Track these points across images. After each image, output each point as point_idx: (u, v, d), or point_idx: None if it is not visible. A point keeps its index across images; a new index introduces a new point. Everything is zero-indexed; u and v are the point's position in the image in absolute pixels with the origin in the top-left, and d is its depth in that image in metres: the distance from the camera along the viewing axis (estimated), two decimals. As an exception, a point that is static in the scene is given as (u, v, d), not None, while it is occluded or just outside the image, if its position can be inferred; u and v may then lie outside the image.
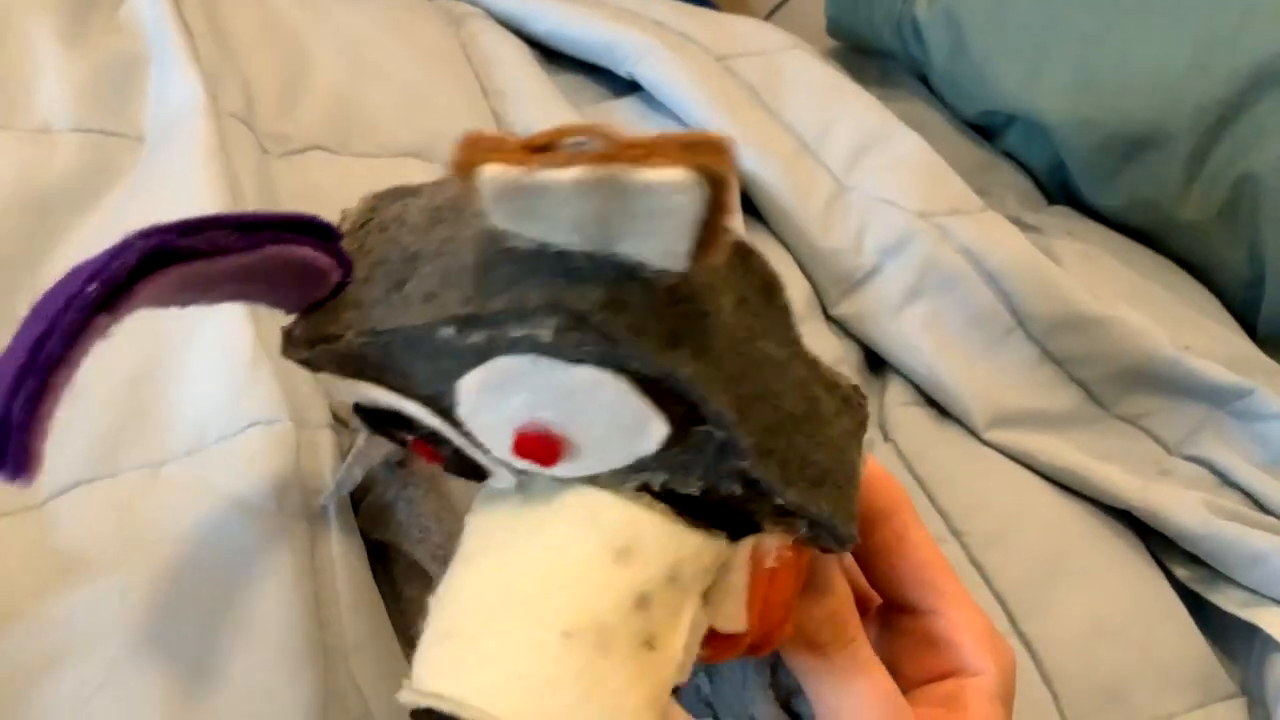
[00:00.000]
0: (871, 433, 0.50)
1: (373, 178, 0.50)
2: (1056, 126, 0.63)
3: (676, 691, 0.30)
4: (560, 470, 0.24)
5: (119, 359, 0.36)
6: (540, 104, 0.58)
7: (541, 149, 0.18)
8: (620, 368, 0.21)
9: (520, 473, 0.25)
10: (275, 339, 0.37)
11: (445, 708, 0.22)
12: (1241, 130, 0.58)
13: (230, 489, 0.33)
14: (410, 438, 0.27)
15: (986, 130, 0.70)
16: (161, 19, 0.50)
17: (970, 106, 0.70)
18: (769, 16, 1.25)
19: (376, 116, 0.53)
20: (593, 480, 0.24)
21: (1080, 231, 0.64)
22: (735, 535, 0.26)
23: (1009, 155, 0.70)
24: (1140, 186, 0.62)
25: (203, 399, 0.35)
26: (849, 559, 0.33)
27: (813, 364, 0.26)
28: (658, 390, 0.21)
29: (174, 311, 0.38)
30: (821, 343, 0.52)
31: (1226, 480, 0.50)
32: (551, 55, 0.65)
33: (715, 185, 0.17)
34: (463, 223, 0.23)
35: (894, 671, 0.31)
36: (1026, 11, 0.65)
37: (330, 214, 0.47)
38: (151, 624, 0.30)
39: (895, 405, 0.52)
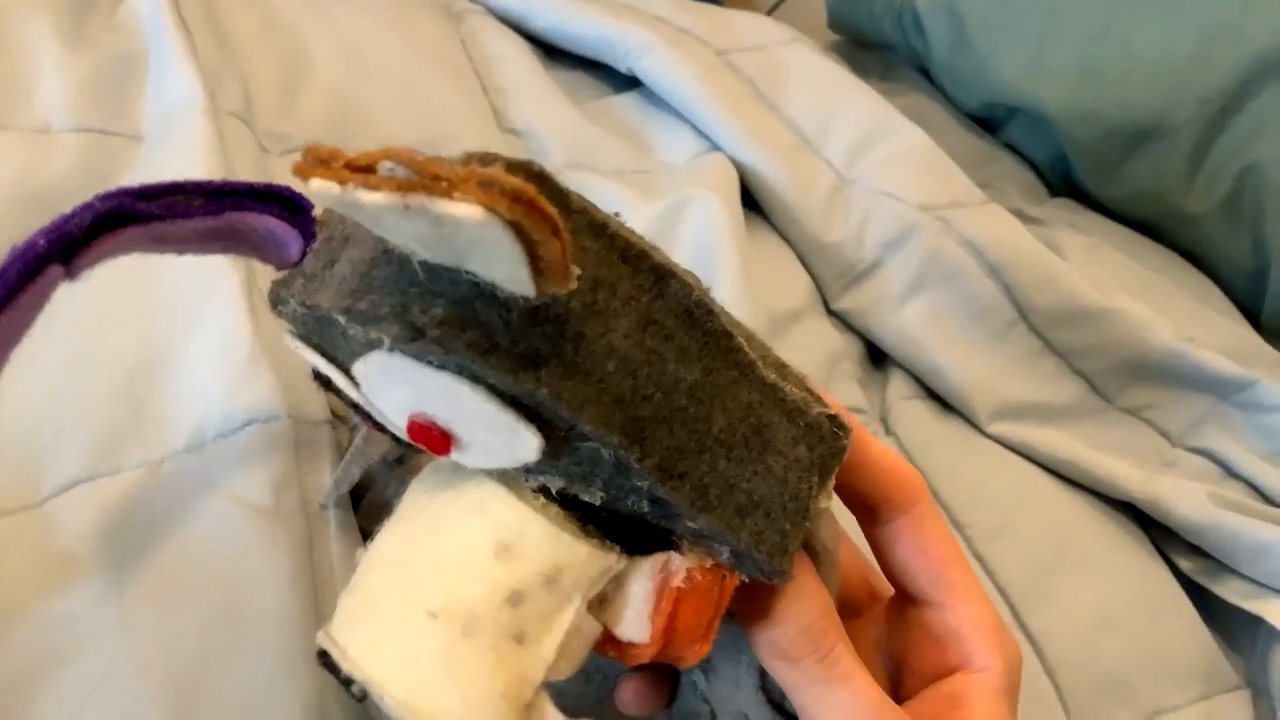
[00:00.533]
0: (873, 426, 0.50)
1: (373, 175, 0.51)
2: (1058, 118, 0.63)
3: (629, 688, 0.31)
4: (457, 459, 0.24)
5: (118, 357, 0.37)
6: (540, 100, 0.58)
7: (362, 169, 0.18)
8: (476, 379, 0.21)
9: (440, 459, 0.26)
10: (274, 334, 0.37)
11: (335, 656, 0.24)
12: (1244, 121, 0.58)
13: (229, 486, 0.33)
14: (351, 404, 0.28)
15: (988, 123, 0.70)
16: (160, 17, 0.50)
17: (972, 99, 0.69)
18: (771, 11, 1.25)
19: (376, 114, 0.53)
20: (499, 472, 0.25)
21: (1083, 224, 0.64)
22: (649, 549, 0.26)
23: (1011, 148, 0.69)
24: (1143, 178, 0.62)
25: (201, 396, 0.35)
26: (851, 550, 0.33)
27: (772, 388, 0.25)
28: (524, 409, 0.22)
29: (173, 308, 0.38)
30: (823, 337, 0.52)
31: (1230, 472, 0.50)
32: (552, 52, 0.65)
33: (518, 224, 0.17)
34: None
35: (901, 666, 0.31)
36: (1027, 3, 0.65)
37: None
38: (150, 621, 0.30)
39: (897, 399, 0.51)
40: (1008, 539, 0.46)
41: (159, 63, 0.48)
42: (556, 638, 0.25)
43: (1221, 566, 0.47)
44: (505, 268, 0.18)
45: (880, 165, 0.54)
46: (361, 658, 0.24)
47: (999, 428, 0.50)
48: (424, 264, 0.20)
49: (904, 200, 0.52)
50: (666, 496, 0.23)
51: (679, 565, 0.25)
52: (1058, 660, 0.42)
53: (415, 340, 0.20)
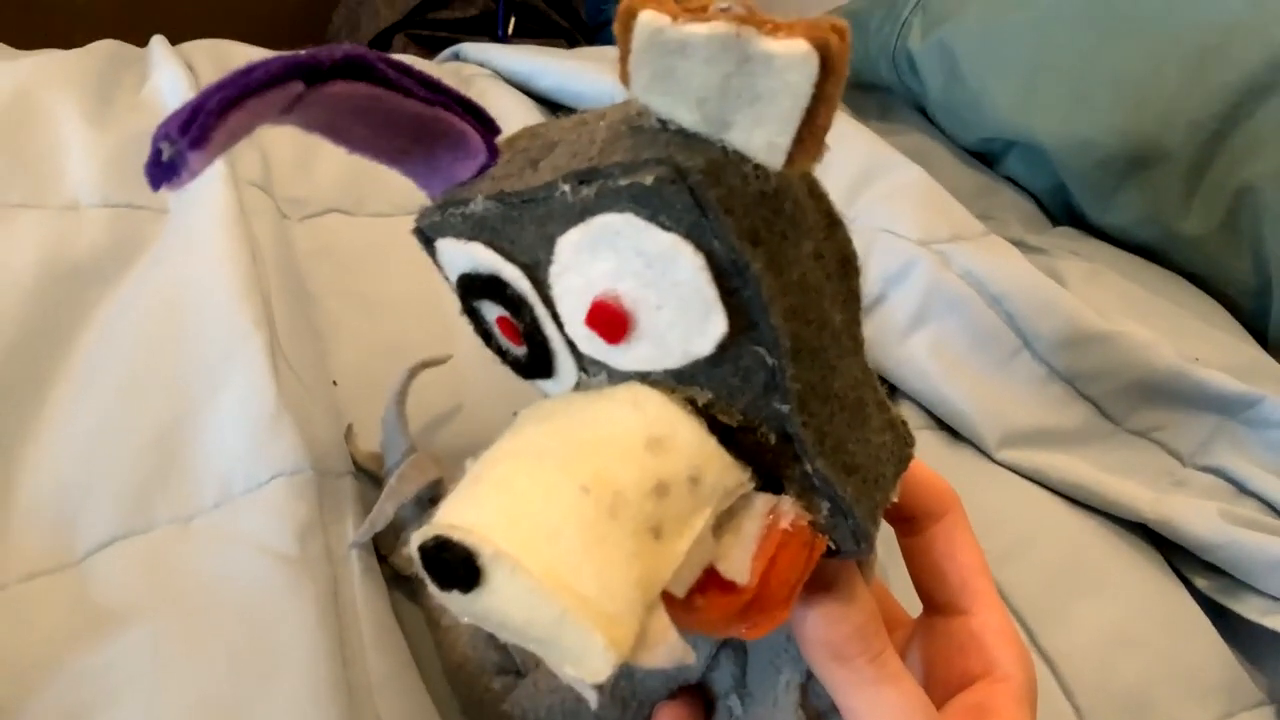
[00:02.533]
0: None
1: (389, 235, 0.52)
2: (1054, 149, 0.64)
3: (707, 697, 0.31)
4: (620, 352, 0.25)
5: (147, 418, 0.38)
6: (546, 156, 0.60)
7: (693, 11, 0.20)
8: (700, 243, 0.23)
9: (582, 368, 0.27)
10: (297, 392, 0.39)
11: (455, 535, 0.22)
12: (1238, 142, 0.59)
13: (256, 538, 0.34)
14: (497, 315, 0.29)
15: (987, 157, 0.72)
16: (181, 94, 0.52)
17: (969, 134, 0.71)
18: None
19: (390, 176, 0.55)
20: (644, 380, 0.26)
21: (1085, 251, 0.64)
22: (760, 488, 0.26)
23: (1011, 180, 0.71)
24: (1141, 203, 0.63)
25: (228, 452, 0.37)
26: (877, 587, 0.33)
27: (872, 374, 0.27)
28: (727, 287, 0.23)
29: (199, 370, 0.40)
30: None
31: (1242, 489, 0.50)
32: (557, 109, 0.67)
33: (829, 67, 0.19)
34: (599, 118, 0.26)
35: (926, 679, 0.31)
36: (1017, 37, 0.66)
37: (348, 274, 0.49)
38: (182, 669, 0.31)
39: (907, 430, 0.52)
40: (1021, 563, 0.46)
41: (181, 138, 0.50)
42: (687, 541, 0.24)
43: (1238, 583, 0.47)
44: (772, 128, 0.20)
45: (878, 202, 0.56)
46: (493, 531, 0.22)
47: (1008, 454, 0.50)
48: (679, 130, 0.22)
49: (903, 236, 0.54)
50: (796, 430, 0.24)
51: (788, 508, 0.26)
52: (1076, 682, 0.42)
53: (673, 183, 0.22)
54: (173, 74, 0.54)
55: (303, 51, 0.23)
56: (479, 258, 0.27)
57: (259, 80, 0.22)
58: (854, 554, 0.27)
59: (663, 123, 0.22)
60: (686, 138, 0.22)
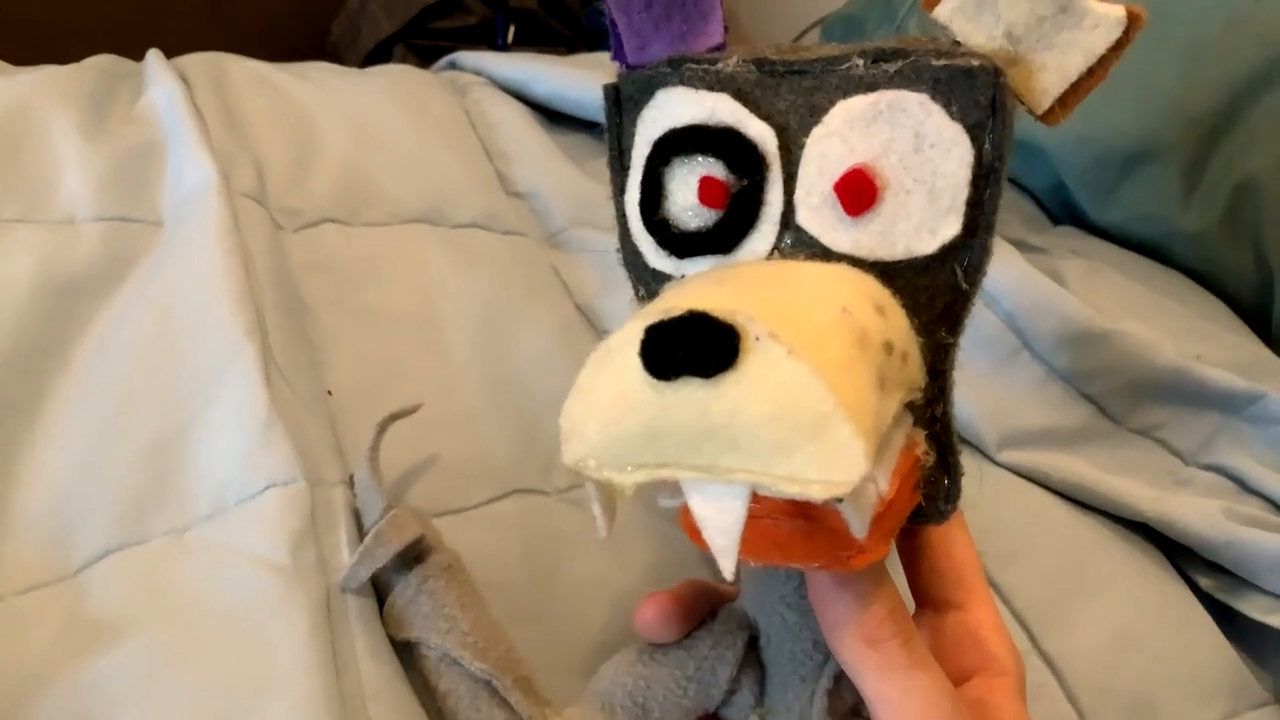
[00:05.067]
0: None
1: (384, 245, 0.52)
2: (1052, 148, 0.64)
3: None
4: (848, 228, 0.26)
5: (141, 431, 0.38)
6: (542, 163, 0.60)
7: None
8: (976, 141, 0.24)
9: (777, 246, 0.27)
10: (289, 402, 0.39)
11: (719, 314, 0.21)
12: (1236, 138, 0.59)
13: (250, 548, 0.34)
14: (703, 174, 0.28)
15: (986, 156, 0.71)
16: (175, 108, 0.52)
17: (967, 134, 0.71)
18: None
19: (385, 185, 0.55)
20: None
21: (1085, 250, 0.64)
22: None
23: (1010, 179, 0.70)
24: (1141, 200, 0.63)
25: (221, 464, 0.37)
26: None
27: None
28: (976, 192, 0.25)
29: (192, 382, 0.40)
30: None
31: (1246, 487, 0.50)
32: (553, 116, 0.67)
33: (1124, 39, 0.23)
34: (861, 43, 0.27)
35: None
36: (1014, 38, 0.66)
37: (343, 284, 0.49)
38: (176, 680, 0.31)
39: (906, 432, 0.52)
40: (1022, 565, 0.46)
41: (176, 150, 0.51)
42: (894, 407, 0.24)
43: (1242, 582, 0.47)
44: (1055, 78, 0.24)
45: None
46: (764, 317, 0.21)
47: (1009, 455, 0.50)
48: (971, 52, 0.25)
49: (900, 237, 0.53)
50: (949, 368, 0.26)
51: (919, 437, 0.27)
52: (1078, 683, 0.42)
53: (990, 74, 0.24)
54: (167, 88, 0.54)
55: None
56: (720, 109, 0.27)
57: None
58: (937, 517, 0.28)
59: (956, 43, 0.25)
60: (978, 56, 0.25)
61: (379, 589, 0.35)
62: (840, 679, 0.30)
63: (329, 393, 0.43)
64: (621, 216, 0.31)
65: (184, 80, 0.57)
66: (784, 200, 0.27)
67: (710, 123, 0.28)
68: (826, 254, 0.26)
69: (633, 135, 0.30)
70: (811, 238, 0.27)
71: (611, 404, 0.22)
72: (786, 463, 0.21)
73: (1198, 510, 0.47)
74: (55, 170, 0.48)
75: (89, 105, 0.53)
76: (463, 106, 0.66)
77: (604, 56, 0.72)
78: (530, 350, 0.48)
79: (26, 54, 0.63)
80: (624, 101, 0.30)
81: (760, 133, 0.27)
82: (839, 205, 0.26)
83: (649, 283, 0.31)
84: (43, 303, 0.42)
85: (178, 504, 0.37)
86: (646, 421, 0.22)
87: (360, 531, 0.36)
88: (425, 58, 1.26)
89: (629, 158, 0.30)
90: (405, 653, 0.34)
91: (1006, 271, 0.52)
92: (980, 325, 0.51)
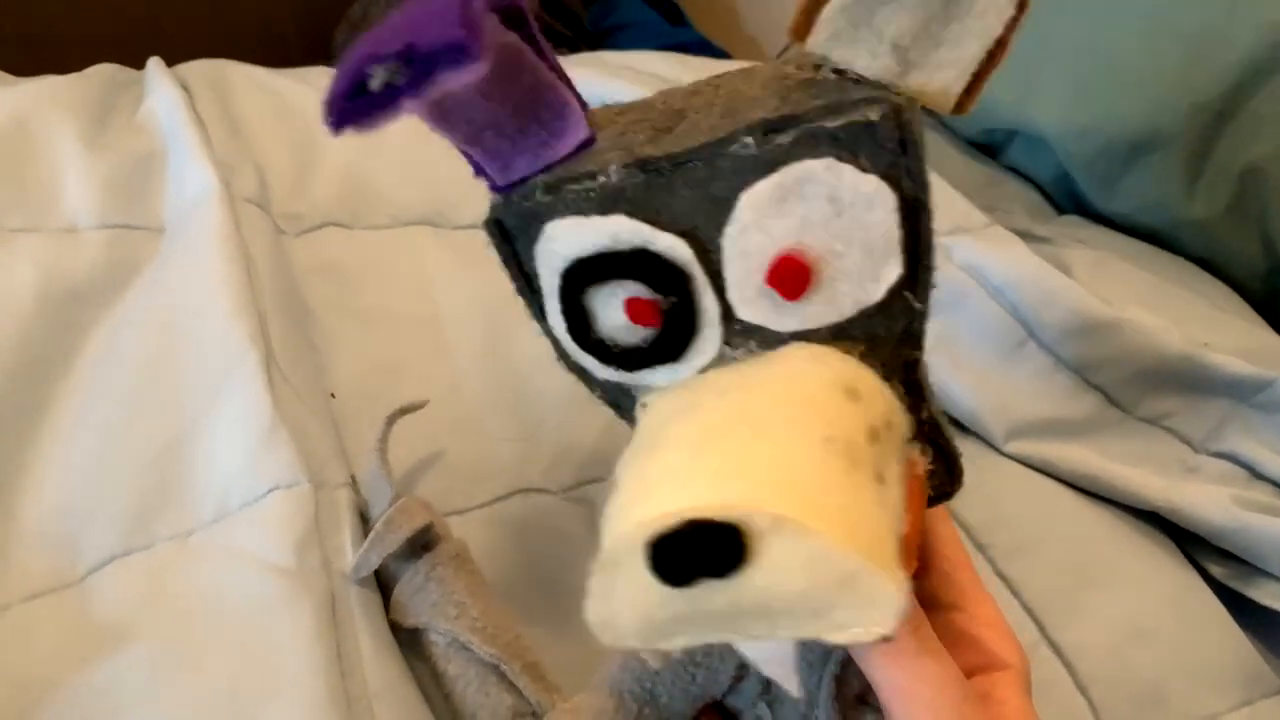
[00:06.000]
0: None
1: (387, 248, 0.52)
2: (1055, 137, 0.64)
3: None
4: (791, 311, 0.25)
5: (145, 436, 0.38)
6: (543, 163, 0.60)
7: None
8: (894, 183, 0.23)
9: (726, 341, 0.26)
10: (293, 405, 0.39)
11: (713, 513, 0.20)
12: (1240, 124, 0.58)
13: (254, 551, 0.34)
14: (626, 296, 0.27)
15: (989, 148, 0.71)
16: (176, 115, 0.52)
17: (970, 126, 0.70)
18: (779, 57, 1.27)
19: (386, 188, 0.55)
20: (804, 339, 0.26)
21: (1091, 239, 0.64)
22: None
23: (1015, 170, 0.70)
24: (1146, 189, 0.62)
25: (225, 467, 0.37)
26: None
27: None
28: (907, 229, 0.24)
29: (196, 387, 0.40)
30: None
31: (1257, 474, 0.49)
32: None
33: (1021, 6, 0.21)
34: (728, 85, 0.26)
35: None
36: (1015, 28, 0.66)
37: (346, 287, 0.49)
38: (182, 686, 0.31)
39: (912, 425, 0.52)
40: (1031, 557, 0.45)
41: (177, 157, 0.51)
42: (899, 486, 0.24)
43: (1255, 570, 0.46)
44: (954, 72, 0.22)
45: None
46: (761, 498, 0.21)
47: (1016, 446, 0.50)
48: (857, 79, 0.23)
49: (903, 230, 0.53)
50: (923, 376, 0.26)
51: (917, 456, 0.27)
52: (1090, 675, 0.42)
53: (892, 120, 0.22)
54: (167, 95, 0.54)
55: None
56: (619, 231, 0.25)
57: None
58: (946, 498, 0.28)
59: (839, 73, 0.23)
60: (868, 85, 0.23)
61: (385, 581, 0.35)
62: (847, 665, 0.29)
63: (332, 395, 0.43)
64: (551, 338, 0.30)
65: (185, 88, 0.57)
66: (718, 301, 0.26)
67: (616, 248, 0.26)
68: (778, 337, 0.26)
69: (532, 261, 0.28)
70: (757, 326, 0.26)
71: (636, 605, 0.23)
72: (826, 620, 0.22)
73: (1208, 498, 0.46)
74: (57, 179, 0.48)
75: (90, 114, 0.53)
76: (463, 108, 0.66)
77: (604, 55, 0.72)
78: (533, 350, 0.47)
79: (29, 64, 0.63)
80: (511, 233, 0.28)
81: (670, 245, 0.25)
82: (776, 294, 0.25)
83: (603, 389, 0.30)
84: (46, 311, 0.42)
85: (182, 508, 0.37)
86: (677, 614, 0.22)
87: (366, 527, 0.36)
88: (428, 62, 1.26)
89: (537, 281, 0.28)
90: (412, 641, 0.34)
91: (1011, 262, 0.51)
92: (985, 316, 0.51)
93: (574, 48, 1.39)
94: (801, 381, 0.25)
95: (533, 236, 0.27)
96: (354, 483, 0.39)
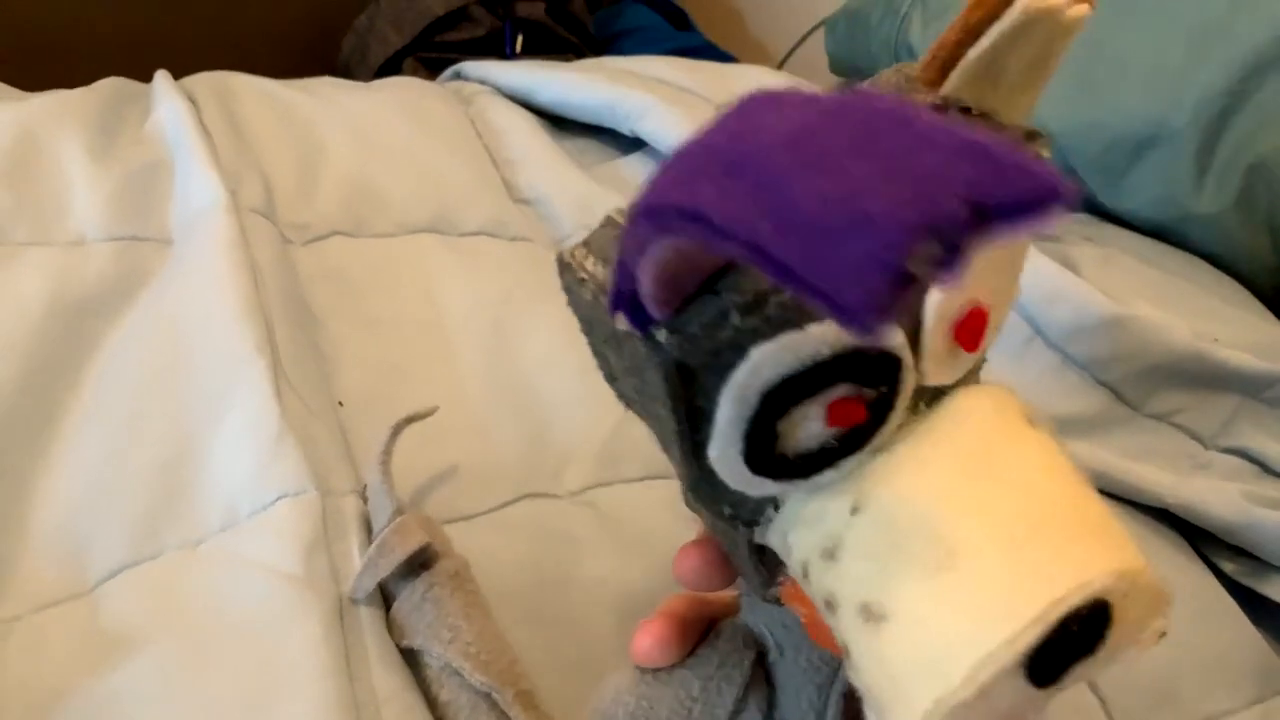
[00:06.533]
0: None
1: (392, 256, 0.53)
2: (1061, 134, 0.63)
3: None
4: (965, 363, 0.24)
5: (153, 446, 0.39)
6: (548, 168, 0.60)
7: None
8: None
9: (915, 404, 0.24)
10: (300, 414, 0.39)
11: (1093, 593, 0.20)
12: (1247, 118, 0.58)
13: (262, 558, 0.35)
14: (833, 399, 0.23)
15: (995, 146, 0.71)
16: (182, 126, 0.53)
17: (975, 125, 0.70)
18: (782, 63, 1.28)
19: (391, 194, 0.56)
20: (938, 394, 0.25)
21: (1099, 236, 0.63)
22: None
23: (1020, 168, 0.70)
24: (1153, 185, 0.62)
25: (233, 476, 0.37)
26: None
27: None
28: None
29: (204, 396, 0.40)
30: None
31: (1267, 469, 0.49)
32: (558, 121, 0.67)
33: None
34: None
35: None
36: (1018, 26, 0.66)
37: (352, 295, 0.49)
38: (191, 693, 0.31)
39: (920, 425, 0.52)
40: (1041, 554, 0.45)
41: (183, 169, 0.51)
42: None
43: (1266, 566, 0.46)
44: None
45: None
46: (1098, 561, 0.20)
47: (1025, 445, 0.50)
48: (980, 114, 0.24)
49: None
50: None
51: None
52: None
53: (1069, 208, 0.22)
54: (174, 107, 0.55)
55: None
56: (839, 333, 0.22)
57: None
58: None
59: (965, 110, 0.25)
60: (989, 120, 0.24)
61: (386, 595, 0.35)
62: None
63: (339, 403, 0.43)
64: (698, 472, 0.25)
65: (191, 99, 0.57)
66: (914, 371, 0.23)
67: (832, 354, 0.22)
68: (937, 392, 0.24)
69: (714, 396, 0.23)
70: (935, 387, 0.24)
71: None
72: (1146, 633, 0.22)
73: (1218, 494, 0.46)
74: (65, 192, 0.49)
75: (97, 127, 0.53)
76: (467, 115, 0.66)
77: (606, 60, 0.73)
78: (539, 355, 0.48)
79: (36, 75, 0.64)
80: (694, 371, 0.23)
81: (891, 332, 0.23)
82: (959, 348, 0.23)
83: (739, 508, 0.26)
84: (55, 323, 0.43)
85: (191, 517, 0.37)
86: (1035, 704, 0.21)
87: (371, 536, 0.36)
88: (435, 71, 1.27)
89: (700, 418, 0.24)
90: (409, 660, 0.34)
91: (1016, 260, 0.51)
92: (991, 315, 0.51)
93: (580, 55, 1.39)
94: (1013, 430, 0.23)
95: (725, 367, 0.23)
96: (362, 489, 0.39)
